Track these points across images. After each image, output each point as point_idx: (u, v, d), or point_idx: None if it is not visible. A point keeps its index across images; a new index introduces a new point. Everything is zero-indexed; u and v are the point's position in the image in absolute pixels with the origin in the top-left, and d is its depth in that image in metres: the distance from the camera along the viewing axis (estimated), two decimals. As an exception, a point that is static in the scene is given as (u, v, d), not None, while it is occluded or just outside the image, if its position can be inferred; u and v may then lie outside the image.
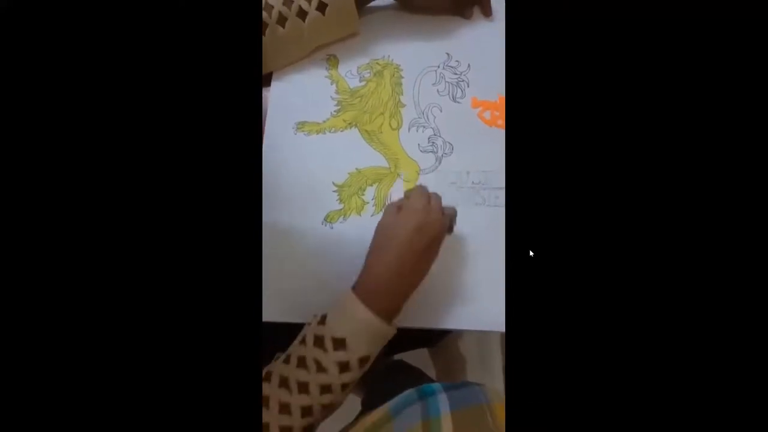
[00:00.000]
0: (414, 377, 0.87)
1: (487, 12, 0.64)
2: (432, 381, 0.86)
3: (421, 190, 0.48)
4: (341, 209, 0.56)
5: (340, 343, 0.42)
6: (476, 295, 0.53)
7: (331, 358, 0.41)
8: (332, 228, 0.56)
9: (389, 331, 0.44)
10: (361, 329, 0.42)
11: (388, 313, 0.44)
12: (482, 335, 1.12)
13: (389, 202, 0.56)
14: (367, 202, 0.56)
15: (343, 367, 0.42)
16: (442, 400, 0.39)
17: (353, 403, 0.73)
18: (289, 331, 0.48)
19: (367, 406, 0.70)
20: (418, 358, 1.02)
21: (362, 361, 0.43)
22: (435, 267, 0.53)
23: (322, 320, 0.44)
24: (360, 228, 0.55)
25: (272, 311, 0.52)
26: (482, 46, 0.63)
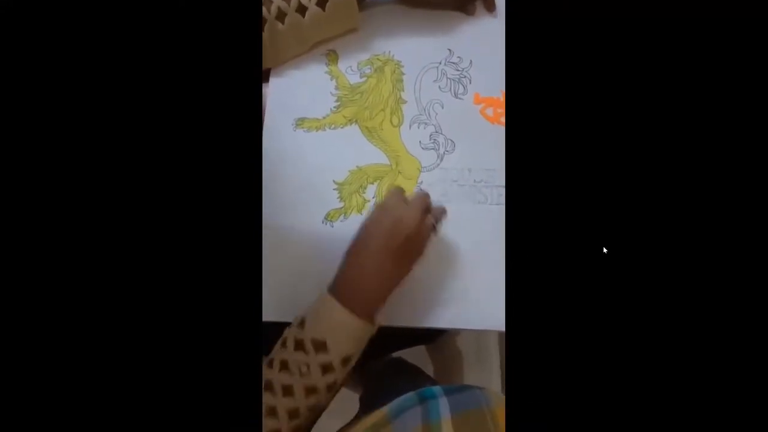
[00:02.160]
0: (413, 375, 0.87)
1: (490, 7, 0.63)
2: (431, 378, 0.86)
3: (397, 189, 0.48)
4: (342, 207, 0.56)
5: (320, 346, 0.42)
6: (478, 294, 0.53)
7: (313, 360, 0.41)
8: (333, 227, 0.55)
9: (369, 329, 0.44)
10: (340, 330, 0.42)
11: (366, 312, 0.44)
12: (480, 332, 1.13)
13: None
14: (368, 201, 0.56)
15: (326, 368, 0.42)
16: (443, 404, 0.39)
17: (352, 401, 0.73)
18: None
19: (366, 404, 0.69)
20: (416, 355, 1.02)
21: (344, 361, 0.42)
22: (437, 266, 0.53)
23: (302, 323, 0.43)
24: (361, 226, 0.54)
25: (272, 311, 0.51)
26: (485, 42, 0.62)
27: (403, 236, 0.43)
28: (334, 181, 0.57)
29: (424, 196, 0.47)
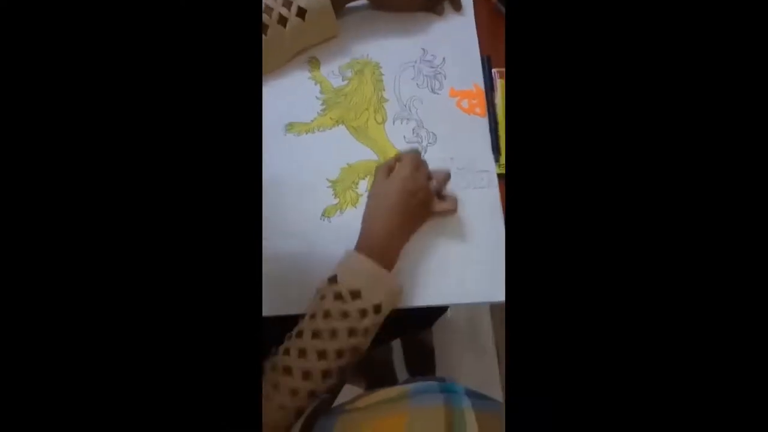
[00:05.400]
0: (415, 359, 0.90)
1: (457, 7, 0.68)
2: (432, 361, 0.89)
3: (412, 156, 0.55)
4: (337, 203, 0.59)
5: (356, 294, 0.48)
6: (465, 272, 0.56)
7: (351, 306, 0.48)
8: (330, 222, 0.59)
9: (393, 280, 0.52)
10: (371, 280, 0.49)
11: (388, 264, 0.52)
12: (473, 313, 1.17)
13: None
14: (361, 195, 0.59)
15: (362, 313, 0.48)
16: (465, 398, 0.40)
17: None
18: (290, 326, 0.50)
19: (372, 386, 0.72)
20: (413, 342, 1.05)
21: (376, 308, 0.49)
22: (426, 247, 0.57)
23: (333, 279, 0.49)
24: (356, 219, 0.57)
25: (273, 305, 0.53)
26: (455, 40, 0.66)
27: (416, 201, 0.53)
28: (327, 179, 0.60)
29: (426, 165, 0.57)
